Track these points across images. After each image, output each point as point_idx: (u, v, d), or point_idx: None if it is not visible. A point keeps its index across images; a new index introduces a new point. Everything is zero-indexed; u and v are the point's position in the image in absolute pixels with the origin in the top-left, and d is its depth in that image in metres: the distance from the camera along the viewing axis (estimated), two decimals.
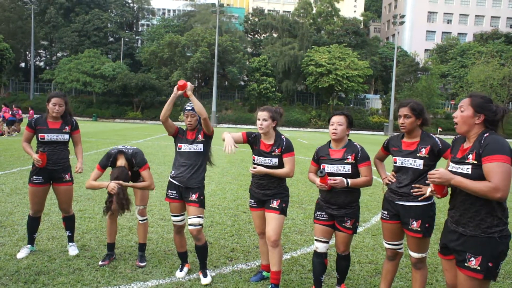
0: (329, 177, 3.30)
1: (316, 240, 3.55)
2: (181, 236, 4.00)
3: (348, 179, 3.30)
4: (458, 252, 2.50)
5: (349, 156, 3.36)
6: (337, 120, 3.41)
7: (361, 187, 3.41)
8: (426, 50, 62.33)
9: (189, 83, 3.69)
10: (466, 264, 2.42)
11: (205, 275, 3.82)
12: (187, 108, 3.81)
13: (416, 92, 45.57)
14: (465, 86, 46.73)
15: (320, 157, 3.50)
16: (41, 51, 58.68)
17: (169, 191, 3.88)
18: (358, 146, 3.43)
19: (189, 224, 3.77)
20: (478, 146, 2.42)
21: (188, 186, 3.77)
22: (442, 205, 6.45)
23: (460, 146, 2.62)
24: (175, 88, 3.67)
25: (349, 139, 3.49)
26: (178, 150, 3.86)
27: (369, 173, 3.38)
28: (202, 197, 3.82)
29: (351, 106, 52.95)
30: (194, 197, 3.76)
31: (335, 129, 3.40)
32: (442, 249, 2.69)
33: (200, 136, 3.83)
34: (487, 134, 2.44)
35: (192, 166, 3.79)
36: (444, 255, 2.68)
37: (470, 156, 2.44)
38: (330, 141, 3.54)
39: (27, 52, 55.81)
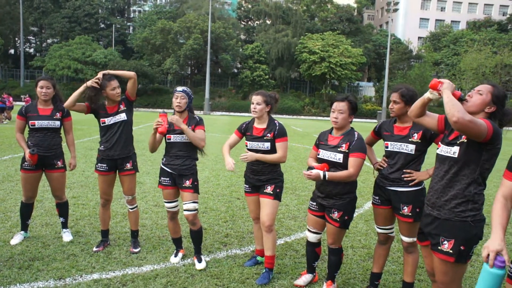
0: (305, 172, 3.13)
1: (308, 229, 3.56)
2: (175, 222, 4.01)
3: (326, 173, 3.09)
4: (432, 236, 2.52)
5: (343, 145, 3.18)
6: (339, 108, 3.21)
7: (341, 181, 3.15)
8: (419, 38, 62.26)
9: (174, 118, 3.66)
10: (439, 247, 2.46)
11: (199, 260, 3.87)
12: (177, 89, 3.81)
13: (409, 79, 45.59)
14: (458, 74, 46.89)
15: (320, 142, 3.42)
16: (31, 37, 57.62)
17: (162, 178, 3.88)
18: (356, 135, 3.21)
19: (185, 210, 3.78)
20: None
21: (181, 173, 3.78)
22: None
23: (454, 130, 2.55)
24: (154, 130, 3.75)
25: (351, 127, 3.30)
26: (168, 141, 3.84)
27: (355, 165, 3.11)
28: (196, 183, 3.83)
29: (344, 93, 52.84)
30: (188, 183, 3.77)
31: (336, 117, 3.23)
32: (418, 235, 2.70)
33: (190, 127, 3.79)
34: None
35: (183, 156, 3.80)
36: (421, 241, 2.70)
37: (463, 136, 2.42)
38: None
39: (16, 39, 54.78)
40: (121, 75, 4.06)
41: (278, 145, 3.59)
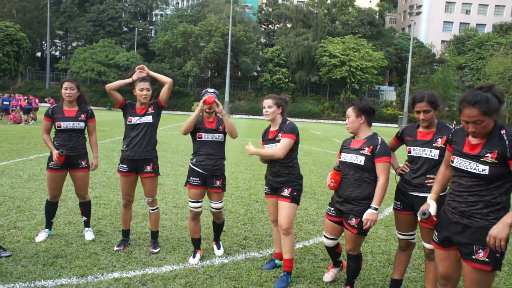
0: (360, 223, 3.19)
1: (324, 235, 3.56)
2: (197, 223, 4.07)
3: (373, 206, 3.08)
4: (464, 245, 2.43)
5: (366, 148, 3.19)
6: (347, 113, 3.37)
7: (383, 192, 3.12)
8: (443, 41, 61.07)
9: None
10: (474, 256, 2.38)
11: (218, 247, 4.25)
12: (209, 91, 3.95)
13: (432, 84, 44.78)
14: (483, 78, 45.72)
15: (343, 147, 3.43)
16: (57, 40, 59.35)
17: (191, 178, 3.97)
18: (379, 139, 3.22)
19: (213, 208, 4.07)
20: (502, 144, 2.30)
21: (212, 173, 3.93)
22: None
23: (465, 141, 2.49)
24: (201, 102, 3.87)
25: (373, 132, 3.32)
26: (199, 139, 3.93)
27: (384, 171, 3.11)
28: (224, 182, 4.07)
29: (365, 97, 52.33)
30: (218, 183, 3.97)
31: (347, 123, 3.37)
32: (443, 241, 2.59)
33: (221, 127, 3.99)
34: (504, 129, 2.35)
35: (215, 155, 3.95)
36: (445, 247, 2.59)
37: (489, 155, 2.33)
38: None
39: (43, 42, 56.49)
40: (158, 78, 4.21)
41: (282, 140, 3.56)
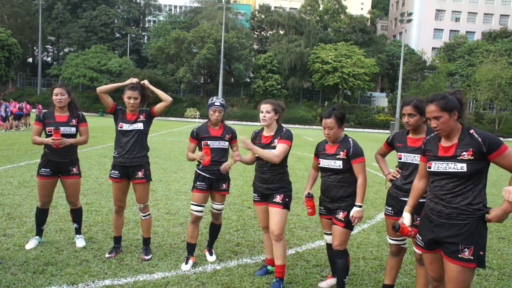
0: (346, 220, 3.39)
1: (324, 233, 3.71)
2: (195, 227, 4.09)
3: (358, 204, 3.31)
4: (449, 244, 2.51)
5: (341, 152, 3.37)
6: (328, 124, 3.38)
7: (364, 192, 3.34)
8: (433, 48, 61.88)
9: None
10: (459, 255, 2.46)
11: (211, 253, 4.28)
12: (215, 104, 3.99)
13: (423, 90, 45.26)
14: (473, 85, 46.36)
15: (318, 152, 3.59)
16: (49, 46, 59.04)
17: (198, 183, 4.05)
18: (351, 142, 3.40)
19: (214, 208, 4.19)
20: (475, 142, 2.46)
21: (219, 177, 4.06)
22: None
23: (438, 146, 2.62)
24: (199, 156, 3.93)
25: (345, 135, 3.48)
26: (205, 145, 3.98)
27: (361, 170, 3.33)
28: (229, 185, 4.26)
29: (357, 104, 52.78)
30: (224, 186, 4.13)
31: (328, 133, 3.40)
32: (429, 245, 2.66)
33: (227, 136, 4.08)
34: (472, 129, 2.53)
35: (221, 161, 4.03)
36: (432, 250, 2.67)
37: (465, 153, 2.46)
38: None
39: (35, 48, 56.17)
40: (158, 95, 4.24)
41: (278, 145, 3.60)
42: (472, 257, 2.44)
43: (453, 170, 2.49)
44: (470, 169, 2.44)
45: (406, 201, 3.17)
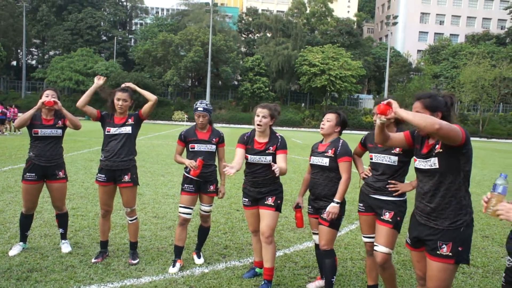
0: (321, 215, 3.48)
1: (313, 233, 3.73)
2: (183, 229, 4.08)
3: (335, 200, 3.36)
4: (429, 241, 2.56)
5: (329, 150, 3.46)
6: (328, 117, 3.56)
7: (346, 189, 3.41)
8: (418, 51, 62.79)
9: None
10: (438, 252, 2.51)
11: (199, 256, 4.29)
12: (198, 109, 4.02)
13: (409, 92, 45.90)
14: (457, 86, 47.14)
15: (312, 151, 3.67)
16: (33, 49, 58.24)
17: (186, 185, 4.07)
18: (340, 142, 3.49)
19: (203, 210, 4.21)
20: None
21: (207, 179, 4.09)
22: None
23: (425, 142, 2.68)
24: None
25: (338, 137, 3.57)
26: (191, 150, 4.09)
27: (346, 169, 3.41)
28: (217, 186, 4.24)
29: (345, 106, 53.20)
30: (212, 187, 4.15)
31: (323, 124, 3.57)
32: (415, 243, 2.73)
33: (214, 140, 4.14)
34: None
35: (208, 164, 4.07)
36: (416, 248, 2.73)
37: (437, 146, 2.52)
38: None
39: (19, 50, 55.32)
40: (143, 94, 4.26)
41: (280, 156, 3.59)
42: (450, 253, 2.47)
43: (429, 167, 2.55)
44: (442, 164, 2.49)
45: (375, 198, 3.26)
